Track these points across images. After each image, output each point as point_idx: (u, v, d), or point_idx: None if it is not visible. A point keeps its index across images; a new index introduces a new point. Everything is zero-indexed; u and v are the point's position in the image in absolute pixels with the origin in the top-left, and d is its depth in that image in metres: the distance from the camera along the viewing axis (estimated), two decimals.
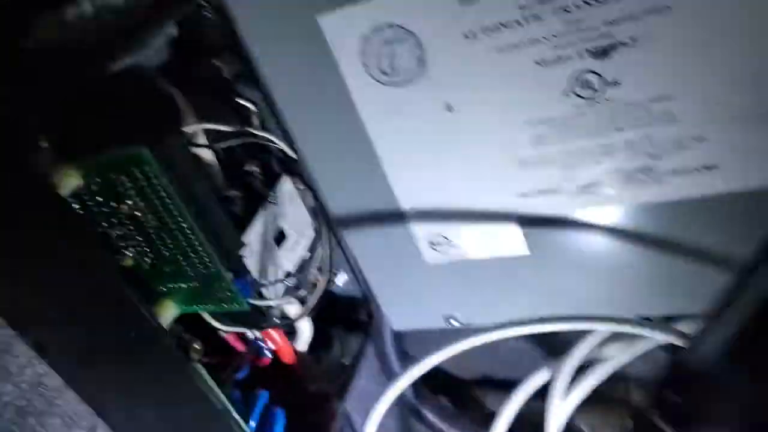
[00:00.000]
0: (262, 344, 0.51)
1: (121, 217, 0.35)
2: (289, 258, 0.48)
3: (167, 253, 0.36)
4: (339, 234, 0.57)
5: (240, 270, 0.38)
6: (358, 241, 0.62)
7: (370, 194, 0.57)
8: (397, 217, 0.58)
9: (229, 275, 0.36)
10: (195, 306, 0.39)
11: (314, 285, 0.50)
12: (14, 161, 0.31)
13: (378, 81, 0.50)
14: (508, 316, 0.63)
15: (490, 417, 0.89)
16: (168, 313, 0.38)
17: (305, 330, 0.54)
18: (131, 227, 0.35)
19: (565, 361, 0.56)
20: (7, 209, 0.33)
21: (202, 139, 0.43)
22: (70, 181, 0.33)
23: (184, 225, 0.34)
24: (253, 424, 0.46)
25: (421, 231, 0.59)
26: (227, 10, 0.46)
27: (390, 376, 0.85)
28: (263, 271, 0.45)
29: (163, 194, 0.33)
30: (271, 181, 0.47)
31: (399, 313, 0.69)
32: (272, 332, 0.49)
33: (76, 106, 0.36)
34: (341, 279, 0.59)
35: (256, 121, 0.47)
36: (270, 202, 0.46)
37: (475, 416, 0.93)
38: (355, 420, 0.68)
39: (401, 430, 0.90)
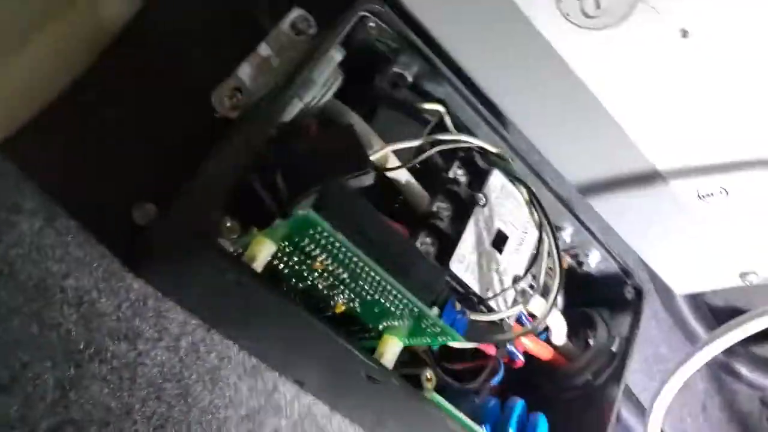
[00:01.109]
0: (514, 349, 0.48)
1: (320, 272, 0.34)
2: (514, 261, 0.43)
3: (369, 297, 0.34)
4: (579, 209, 0.50)
5: (447, 301, 0.35)
6: (611, 210, 0.55)
7: (610, 156, 0.50)
8: (649, 175, 0.49)
9: (432, 312, 0.34)
10: (415, 340, 0.37)
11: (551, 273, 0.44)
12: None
13: (585, 27, 0.42)
14: None
15: None
16: (391, 348, 0.37)
17: (556, 323, 0.48)
18: (331, 278, 0.34)
19: None
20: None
21: (393, 162, 0.41)
22: (263, 248, 0.33)
23: (372, 274, 0.32)
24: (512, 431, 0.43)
25: (683, 186, 0.49)
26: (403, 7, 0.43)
27: (692, 341, 0.74)
28: (487, 283, 0.41)
29: (344, 249, 0.31)
30: (476, 182, 0.43)
31: (680, 276, 0.59)
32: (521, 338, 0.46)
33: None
34: (593, 258, 0.52)
35: (448, 121, 0.42)
36: (479, 204, 0.42)
37: None
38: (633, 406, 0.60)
39: (711, 392, 0.78)
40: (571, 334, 0.53)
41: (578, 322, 0.53)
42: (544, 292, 0.47)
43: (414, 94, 0.43)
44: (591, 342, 0.52)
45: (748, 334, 0.47)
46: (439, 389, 0.44)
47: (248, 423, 0.44)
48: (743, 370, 0.74)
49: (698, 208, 0.51)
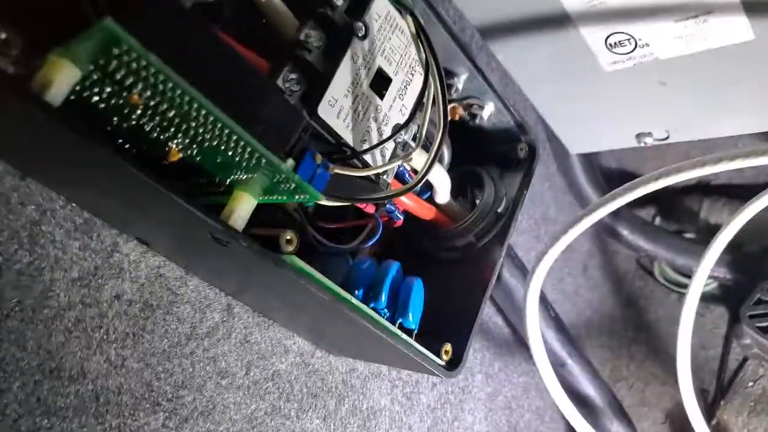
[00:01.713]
0: (393, 207, 0.43)
1: (142, 109, 0.27)
2: (397, 107, 0.37)
3: (207, 144, 0.28)
4: (475, 53, 0.44)
5: (304, 151, 0.29)
6: (514, 57, 0.49)
7: None
8: (558, 18, 0.43)
9: (286, 165, 0.27)
10: (270, 197, 0.31)
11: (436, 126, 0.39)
12: None
13: None
14: (723, 126, 0.47)
15: (708, 230, 0.74)
16: (243, 205, 0.31)
17: (440, 181, 0.44)
18: (158, 118, 0.27)
19: None
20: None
21: None
22: (61, 73, 0.25)
23: (204, 113, 0.25)
24: (383, 296, 0.40)
25: (593, 32, 0.44)
26: None
27: (582, 203, 0.73)
28: (363, 132, 0.35)
29: (162, 77, 0.24)
30: (357, 8, 0.35)
31: (577, 135, 0.56)
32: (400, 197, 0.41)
33: None
34: (488, 110, 0.46)
35: None
36: (357, 35, 0.35)
37: (687, 228, 0.79)
38: (520, 261, 0.59)
39: (593, 252, 0.79)
40: (458, 192, 0.49)
41: (466, 181, 0.49)
42: (430, 146, 0.42)
43: None
44: (477, 202, 0.48)
45: (634, 198, 0.45)
46: (310, 251, 0.40)
47: (81, 287, 0.38)
48: (625, 232, 0.75)
49: (607, 59, 0.46)
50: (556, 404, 0.53)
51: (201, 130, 0.27)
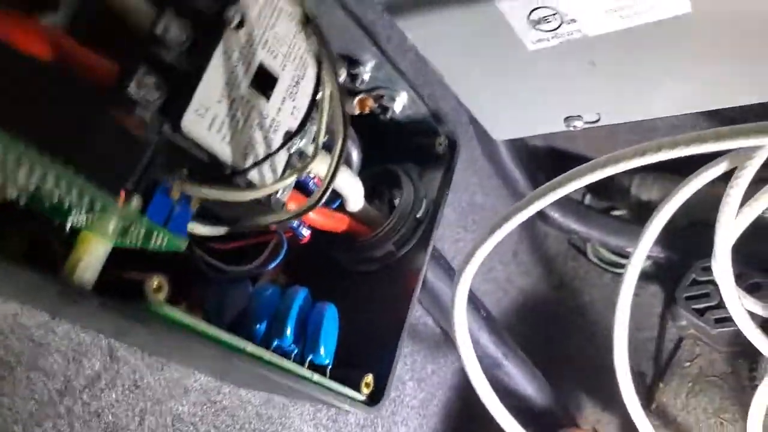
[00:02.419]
0: (298, 222, 0.37)
1: None
2: (287, 109, 0.31)
3: (23, 183, 0.21)
4: (382, 36, 0.38)
5: (156, 185, 0.22)
6: (422, 35, 0.43)
7: None
8: None
9: (127, 207, 0.21)
10: (126, 241, 0.24)
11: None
12: None
13: None
14: (654, 107, 0.43)
15: (639, 206, 0.72)
16: (93, 251, 0.24)
17: (349, 188, 0.38)
18: None
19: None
20: None
21: None
22: None
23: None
24: (288, 331, 0.34)
25: (513, 7, 0.38)
26: None
27: (515, 195, 0.69)
28: (246, 144, 0.29)
29: None
30: None
31: (501, 120, 0.51)
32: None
33: None
34: (400, 102, 0.41)
35: None
36: (230, 25, 0.28)
37: (619, 206, 0.76)
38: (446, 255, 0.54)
39: (523, 237, 0.75)
40: (373, 195, 0.43)
41: (381, 181, 0.43)
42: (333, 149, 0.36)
43: None
44: (396, 203, 0.43)
45: (573, 190, 0.41)
46: (203, 279, 0.33)
47: None
48: (555, 215, 0.71)
49: (531, 37, 0.41)
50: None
51: (23, 166, 0.20)
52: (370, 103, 0.41)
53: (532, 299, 0.74)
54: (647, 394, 0.68)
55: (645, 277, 0.74)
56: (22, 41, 0.24)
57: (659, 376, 0.68)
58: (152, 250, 0.23)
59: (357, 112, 0.40)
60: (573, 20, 0.39)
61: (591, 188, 0.78)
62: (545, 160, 0.70)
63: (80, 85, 0.22)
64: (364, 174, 0.41)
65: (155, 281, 0.26)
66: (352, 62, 0.38)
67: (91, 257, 0.25)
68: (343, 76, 0.37)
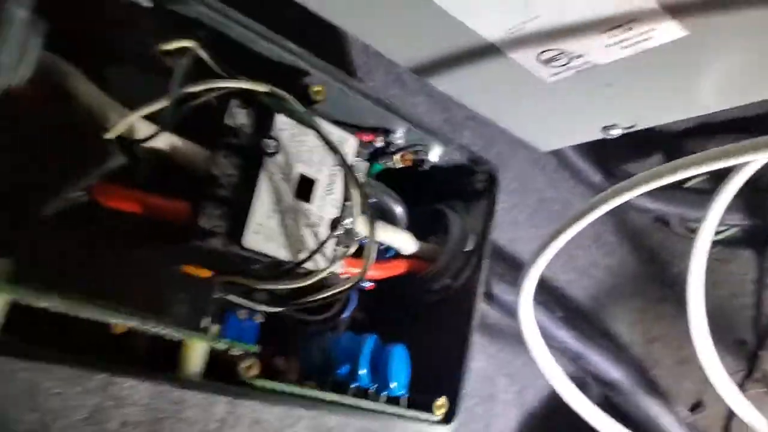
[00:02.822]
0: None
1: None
2: (328, 203, 0.37)
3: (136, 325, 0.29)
4: (405, 106, 0.43)
5: (226, 311, 0.30)
6: (450, 86, 0.48)
7: (439, 35, 0.42)
8: (485, 49, 0.42)
9: (208, 336, 0.29)
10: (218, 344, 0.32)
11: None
12: None
13: None
14: (692, 106, 0.45)
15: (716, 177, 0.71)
16: (195, 352, 0.33)
17: (396, 241, 0.44)
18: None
19: None
20: None
21: (145, 129, 0.33)
22: None
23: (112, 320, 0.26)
24: (364, 371, 0.41)
25: (522, 54, 0.42)
26: None
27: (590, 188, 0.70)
28: (299, 241, 0.36)
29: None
30: (264, 124, 0.35)
31: (543, 136, 0.55)
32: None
33: None
34: (434, 153, 0.46)
35: (205, 56, 0.33)
36: (268, 152, 0.35)
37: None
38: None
39: (602, 218, 0.76)
40: (428, 233, 0.49)
41: (433, 219, 0.49)
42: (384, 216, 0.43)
43: (159, 19, 0.34)
44: (445, 241, 0.48)
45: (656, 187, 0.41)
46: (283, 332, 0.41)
47: (89, 425, 0.41)
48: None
49: (546, 72, 0.44)
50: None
51: (126, 321, 0.28)
52: (409, 157, 0.46)
53: (621, 278, 0.76)
54: (750, 362, 0.68)
55: (735, 243, 0.73)
56: (117, 203, 0.33)
57: (760, 343, 0.68)
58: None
59: (399, 165, 0.46)
60: (579, 55, 0.42)
61: (665, 159, 0.78)
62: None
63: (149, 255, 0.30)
64: (416, 213, 0.47)
65: (247, 363, 0.34)
66: (386, 131, 0.44)
67: (195, 355, 0.33)
68: (380, 143, 0.43)
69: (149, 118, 0.33)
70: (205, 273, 0.33)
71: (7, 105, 0.30)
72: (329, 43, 0.44)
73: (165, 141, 0.34)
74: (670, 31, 0.38)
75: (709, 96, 0.45)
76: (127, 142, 0.32)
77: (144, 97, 0.32)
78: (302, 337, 0.43)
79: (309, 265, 0.36)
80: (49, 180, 0.30)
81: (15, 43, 0.29)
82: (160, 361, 0.32)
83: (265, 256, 0.34)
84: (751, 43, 0.39)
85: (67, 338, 0.31)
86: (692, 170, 0.37)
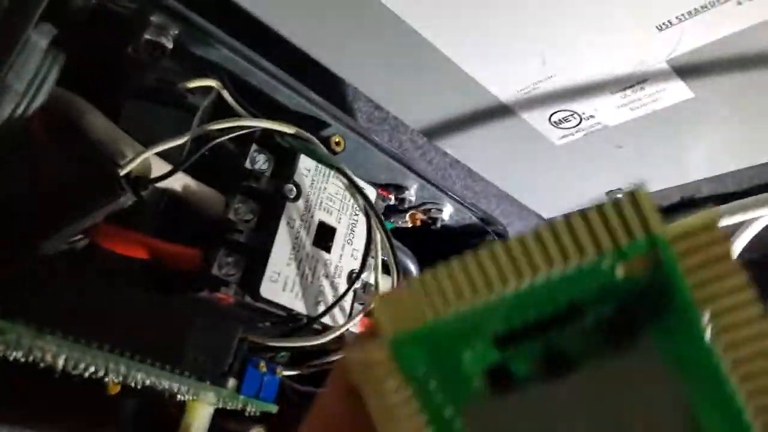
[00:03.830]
0: None
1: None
2: (348, 253, 0.35)
3: (141, 380, 0.26)
4: (420, 163, 0.43)
5: (247, 364, 0.27)
6: (466, 148, 0.48)
7: (454, 95, 0.42)
8: (497, 109, 0.42)
9: (226, 390, 0.25)
10: (227, 405, 0.29)
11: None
12: None
13: None
14: (690, 171, 0.45)
15: None
16: (199, 416, 0.29)
17: None
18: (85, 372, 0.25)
19: None
20: None
21: (159, 168, 0.31)
22: None
23: (122, 368, 0.23)
24: None
25: (534, 115, 0.42)
26: None
27: None
28: (317, 293, 0.33)
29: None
30: (285, 168, 0.34)
31: (547, 202, 0.54)
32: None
33: None
34: (446, 212, 0.45)
35: (228, 97, 0.32)
36: (289, 198, 0.33)
37: None
38: None
39: None
40: None
41: None
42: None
43: (180, 63, 0.32)
44: None
45: None
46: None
47: None
48: None
49: (556, 135, 0.45)
50: None
51: (124, 370, 0.25)
52: (420, 216, 0.45)
53: None
54: None
55: None
56: (121, 247, 0.30)
57: None
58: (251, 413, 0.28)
59: (410, 225, 0.44)
60: (591, 116, 0.42)
61: None
62: None
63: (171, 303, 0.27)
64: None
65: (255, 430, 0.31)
66: (399, 188, 0.42)
67: (199, 420, 0.29)
68: (392, 200, 0.42)
69: (165, 156, 0.31)
70: None
71: (14, 133, 0.28)
72: (344, 98, 0.43)
73: (179, 181, 0.32)
74: (678, 92, 0.39)
75: (703, 162, 0.46)
76: (139, 181, 0.30)
77: (160, 135, 0.31)
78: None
79: (326, 321, 0.33)
80: (51, 215, 0.28)
81: (31, 70, 0.28)
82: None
83: (281, 307, 0.32)
84: (749, 107, 0.40)
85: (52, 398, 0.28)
86: None
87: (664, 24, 0.36)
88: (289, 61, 0.37)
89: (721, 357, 0.14)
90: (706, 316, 0.14)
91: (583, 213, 0.15)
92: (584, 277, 0.15)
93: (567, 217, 0.15)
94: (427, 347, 0.15)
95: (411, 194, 0.43)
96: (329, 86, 0.42)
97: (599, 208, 0.15)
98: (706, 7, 0.34)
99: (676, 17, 0.35)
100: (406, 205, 0.43)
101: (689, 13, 0.35)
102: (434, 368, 0.15)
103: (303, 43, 0.39)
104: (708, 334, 0.14)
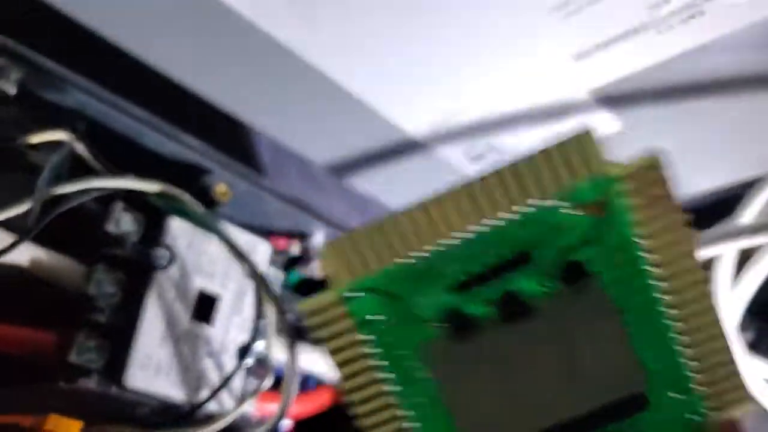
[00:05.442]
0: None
1: None
2: (236, 323, 0.31)
3: None
4: (326, 208, 0.39)
5: None
6: (379, 185, 0.44)
7: (359, 131, 0.38)
8: (408, 144, 0.39)
9: None
10: None
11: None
12: None
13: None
14: None
15: None
16: None
17: (319, 366, 0.38)
18: None
19: None
20: None
21: (2, 239, 0.25)
22: None
23: None
24: None
25: (448, 151, 0.39)
26: None
27: None
28: (199, 376, 0.29)
29: None
30: (156, 230, 0.29)
31: None
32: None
33: None
34: None
35: (83, 151, 0.27)
36: (160, 267, 0.28)
37: None
38: None
39: None
40: None
41: None
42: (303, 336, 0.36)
43: (26, 112, 0.27)
44: None
45: None
46: None
47: None
48: None
49: (473, 170, 0.41)
50: None
51: None
52: None
53: None
54: None
55: None
56: None
57: None
58: None
59: (320, 275, 0.40)
60: (512, 151, 0.39)
61: None
62: None
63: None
64: None
65: None
66: (302, 236, 0.38)
67: None
68: (296, 250, 0.38)
69: (7, 225, 0.26)
70: (74, 425, 0.26)
71: None
72: (232, 137, 0.39)
73: (26, 253, 0.26)
74: (604, 123, 0.36)
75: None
76: None
77: (1, 201, 0.26)
78: None
79: (212, 407, 0.29)
80: None
81: None
82: None
83: (154, 397, 0.27)
84: (682, 136, 0.38)
85: None
86: None
87: (580, 54, 0.33)
88: (166, 101, 0.32)
89: (659, 289, 0.15)
90: (647, 253, 0.15)
91: (529, 157, 0.15)
92: (532, 220, 0.15)
93: (513, 162, 0.15)
94: (378, 293, 0.16)
95: (318, 240, 0.39)
96: (219, 124, 0.38)
97: (544, 151, 0.15)
98: (624, 36, 0.32)
99: (595, 46, 0.33)
100: (311, 255, 0.39)
101: (606, 42, 0.32)
102: (387, 313, 0.16)
103: (180, 74, 0.34)
104: (649, 269, 0.15)
